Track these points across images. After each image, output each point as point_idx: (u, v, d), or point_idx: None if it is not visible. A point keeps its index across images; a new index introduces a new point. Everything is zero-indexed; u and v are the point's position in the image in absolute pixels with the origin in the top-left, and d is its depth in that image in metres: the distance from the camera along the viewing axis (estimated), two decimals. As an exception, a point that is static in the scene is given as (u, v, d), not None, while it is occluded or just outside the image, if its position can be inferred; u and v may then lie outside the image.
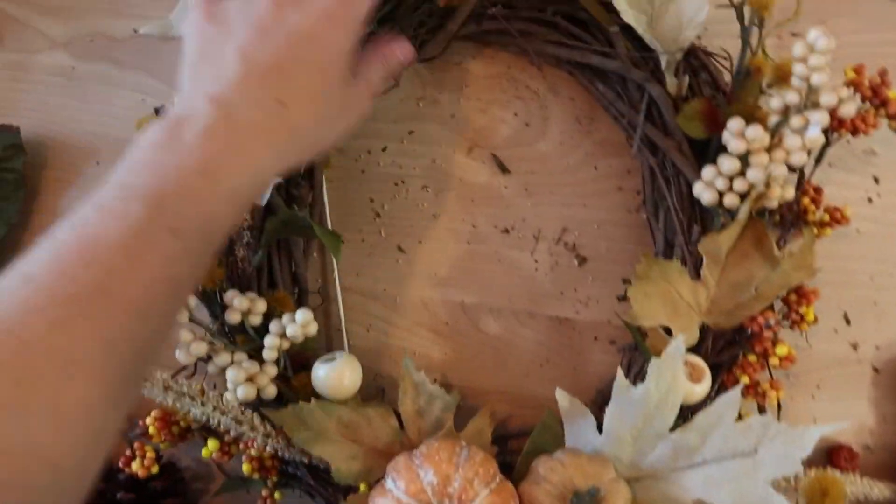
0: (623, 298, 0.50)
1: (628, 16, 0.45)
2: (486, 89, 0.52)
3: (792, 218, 0.47)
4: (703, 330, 0.45)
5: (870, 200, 0.52)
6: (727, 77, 0.47)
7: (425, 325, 0.51)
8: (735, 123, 0.42)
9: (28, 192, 0.51)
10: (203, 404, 0.40)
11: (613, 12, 0.46)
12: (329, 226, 0.50)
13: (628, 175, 0.51)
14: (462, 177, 0.52)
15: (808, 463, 0.49)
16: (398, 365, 0.49)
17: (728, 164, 0.42)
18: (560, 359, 0.50)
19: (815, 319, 0.46)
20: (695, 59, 0.47)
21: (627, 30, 0.46)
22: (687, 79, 0.46)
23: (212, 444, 0.43)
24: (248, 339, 0.44)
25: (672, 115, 0.46)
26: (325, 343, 0.50)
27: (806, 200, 0.48)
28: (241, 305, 0.43)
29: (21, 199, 0.51)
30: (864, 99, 0.45)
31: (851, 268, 0.51)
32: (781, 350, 0.43)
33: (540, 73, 0.52)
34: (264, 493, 0.45)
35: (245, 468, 0.43)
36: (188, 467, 0.50)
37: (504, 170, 0.51)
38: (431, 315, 0.51)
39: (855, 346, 0.51)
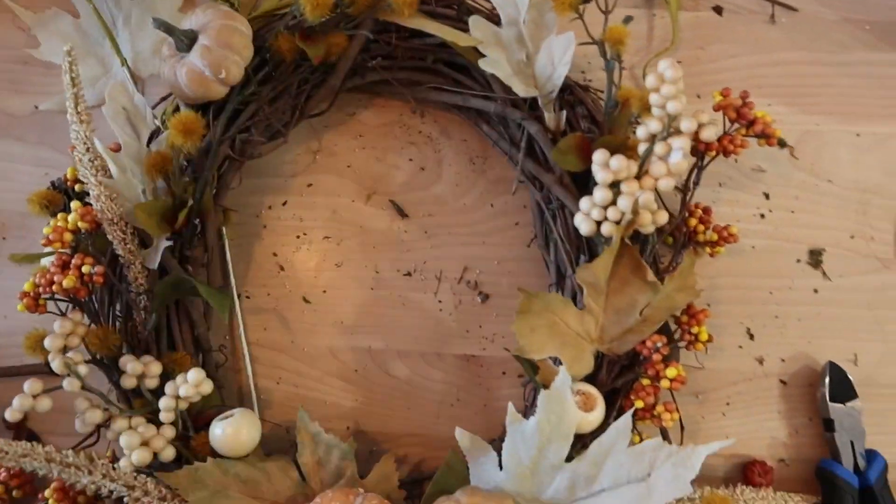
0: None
1: (491, 66, 0.47)
2: (380, 137, 0.53)
3: (683, 240, 0.49)
4: (599, 358, 0.45)
5: (762, 216, 0.53)
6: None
7: (335, 374, 0.51)
8: (599, 155, 0.43)
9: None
10: (90, 472, 0.40)
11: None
12: (233, 283, 0.51)
13: (524, 210, 0.52)
14: (363, 224, 0.53)
15: (725, 481, 0.50)
16: (312, 416, 0.49)
17: (599, 194, 0.43)
18: (470, 397, 0.51)
19: (710, 338, 0.46)
20: (571, 95, 0.49)
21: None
22: (564, 114, 0.47)
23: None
24: (146, 403, 0.44)
25: (551, 150, 0.47)
26: (236, 400, 0.50)
27: (694, 221, 0.49)
28: (136, 370, 0.43)
29: None
30: (731, 121, 0.46)
31: (750, 284, 0.52)
32: (671, 372, 0.43)
33: (430, 119, 0.53)
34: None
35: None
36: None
37: (403, 214, 0.52)
38: (340, 363, 0.51)
39: (761, 361, 0.51)
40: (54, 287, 0.43)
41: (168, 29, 0.45)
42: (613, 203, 0.43)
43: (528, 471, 0.43)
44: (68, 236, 0.44)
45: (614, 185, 0.43)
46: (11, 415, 0.41)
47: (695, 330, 0.46)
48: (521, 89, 0.47)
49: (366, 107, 0.54)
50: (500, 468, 0.43)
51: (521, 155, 0.48)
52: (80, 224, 0.44)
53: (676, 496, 0.40)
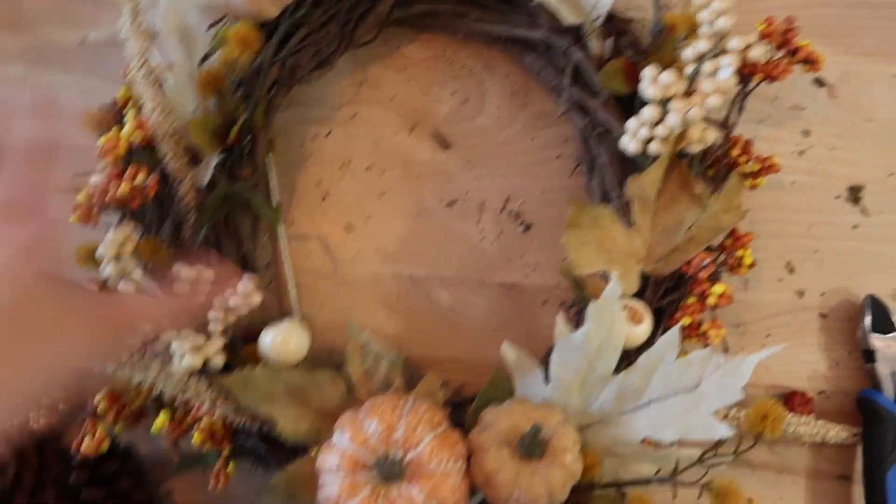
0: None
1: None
2: (425, 70, 0.54)
3: (724, 170, 0.49)
4: (645, 278, 0.46)
5: (801, 153, 0.53)
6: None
7: (377, 301, 0.51)
8: (649, 71, 0.43)
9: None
10: (146, 369, 0.41)
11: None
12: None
13: (565, 143, 0.52)
14: (406, 155, 0.53)
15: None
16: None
17: (648, 111, 0.44)
18: (512, 324, 0.51)
19: (753, 264, 0.47)
20: (615, 25, 0.49)
21: (552, 3, 0.49)
22: (610, 41, 0.48)
23: (161, 417, 0.43)
24: (195, 314, 0.45)
25: (596, 76, 0.47)
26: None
27: (736, 152, 0.49)
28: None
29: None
30: (777, 48, 0.47)
31: (789, 219, 0.52)
32: (718, 289, 0.44)
33: (473, 53, 0.54)
34: (217, 465, 0.44)
35: (195, 439, 0.43)
36: (147, 455, 0.49)
37: (446, 145, 0.53)
38: (383, 290, 0.52)
39: (801, 294, 0.52)
40: (108, 197, 0.43)
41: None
42: (661, 122, 0.44)
43: (576, 383, 0.43)
44: (123, 146, 0.44)
45: (662, 105, 0.44)
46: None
47: (739, 254, 0.46)
48: (567, 15, 0.48)
49: (410, 41, 0.54)
50: (546, 383, 0.44)
51: (567, 80, 0.48)
52: (134, 136, 0.45)
53: (727, 403, 0.40)
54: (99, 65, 0.55)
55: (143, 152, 0.45)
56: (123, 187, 0.43)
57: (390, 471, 0.38)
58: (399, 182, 0.53)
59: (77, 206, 0.44)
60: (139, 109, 0.46)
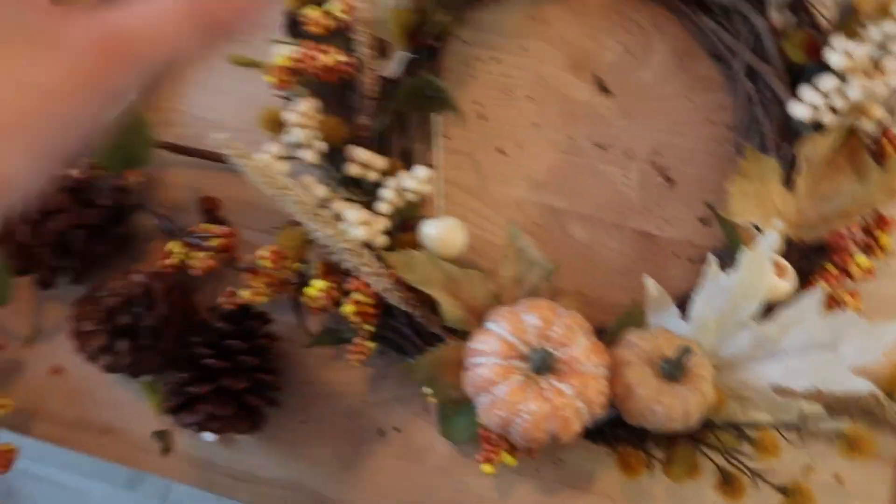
0: (705, 222, 0.53)
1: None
2: (595, 17, 0.56)
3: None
4: (788, 241, 0.47)
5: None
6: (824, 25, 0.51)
7: (517, 224, 0.53)
8: (838, 42, 0.45)
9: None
10: (331, 227, 0.43)
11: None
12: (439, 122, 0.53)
13: (721, 110, 0.54)
14: (565, 93, 0.55)
15: None
16: (488, 259, 0.52)
17: (828, 81, 0.46)
18: (640, 270, 0.53)
19: (891, 251, 0.48)
20: (798, 2, 0.51)
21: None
22: (789, 14, 0.50)
23: (318, 284, 0.46)
24: (367, 192, 0.47)
25: (774, 45, 0.49)
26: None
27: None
28: (362, 157, 0.46)
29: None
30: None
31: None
32: (863, 261, 0.46)
33: (646, 8, 0.56)
34: (360, 340, 0.47)
35: (348, 309, 0.46)
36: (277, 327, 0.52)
37: (605, 90, 0.55)
38: (524, 215, 0.54)
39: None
40: (308, 66, 0.46)
41: None
42: (839, 94, 0.46)
43: (715, 325, 0.45)
44: (329, 22, 0.47)
45: (842, 77, 0.46)
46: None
47: (877, 234, 0.48)
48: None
49: (586, -13, 0.56)
50: (684, 320, 0.46)
51: (745, 45, 0.50)
52: (340, 15, 0.47)
53: (864, 362, 0.42)
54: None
55: (341, 35, 0.48)
56: (325, 59, 0.45)
57: (544, 363, 0.40)
58: (555, 117, 0.55)
59: (277, 69, 0.47)
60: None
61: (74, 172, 0.48)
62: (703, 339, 0.45)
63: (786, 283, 0.45)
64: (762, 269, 0.44)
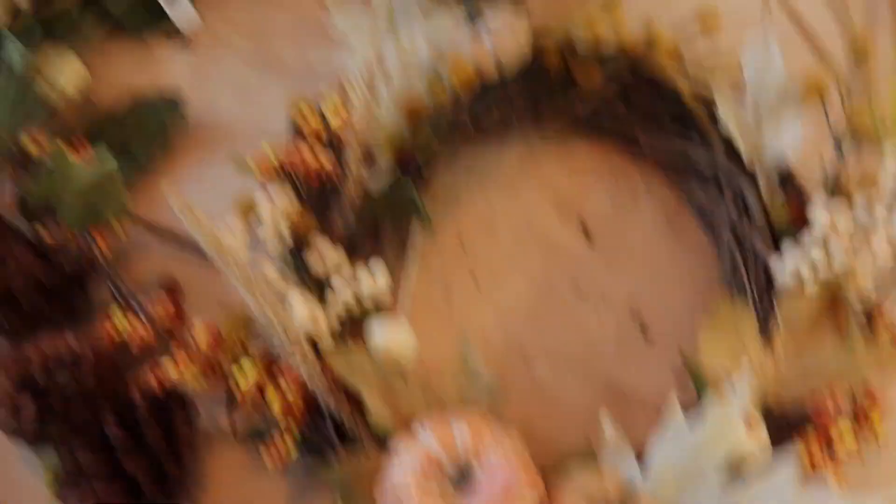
0: (679, 376, 0.49)
1: (731, 126, 0.51)
2: (587, 168, 0.57)
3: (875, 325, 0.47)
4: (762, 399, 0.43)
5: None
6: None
7: (478, 350, 0.50)
8: (821, 206, 0.45)
9: (168, 146, 0.57)
10: (275, 310, 0.41)
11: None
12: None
13: (704, 266, 0.53)
14: (548, 233, 0.55)
15: None
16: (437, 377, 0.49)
17: (812, 248, 0.44)
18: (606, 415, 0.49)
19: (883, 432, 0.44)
20: (786, 167, 0.51)
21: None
22: (776, 179, 0.50)
23: (248, 369, 0.43)
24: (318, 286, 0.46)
25: (759, 207, 0.49)
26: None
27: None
28: (322, 248, 0.45)
29: (157, 150, 0.57)
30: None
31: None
32: (847, 432, 0.41)
33: (637, 167, 0.57)
34: (278, 442, 0.43)
35: (275, 406, 0.42)
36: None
37: (587, 235, 0.55)
38: (487, 343, 0.51)
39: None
40: (292, 163, 0.47)
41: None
42: (823, 259, 0.44)
43: (673, 477, 0.40)
44: (321, 128, 0.49)
45: (826, 244, 0.45)
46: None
47: (870, 409, 0.44)
48: (745, 150, 0.50)
49: (579, 135, 0.57)
50: (639, 468, 0.41)
51: (729, 206, 0.50)
52: (334, 123, 0.49)
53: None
54: (306, 83, 0.61)
55: (332, 140, 0.49)
56: (310, 160, 0.46)
57: (466, 481, 0.36)
58: (535, 255, 0.54)
59: (262, 163, 0.48)
60: (345, 104, 0.50)
61: (43, 232, 0.48)
62: (660, 490, 0.40)
63: (756, 438, 0.41)
64: (729, 420, 0.40)
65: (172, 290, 0.50)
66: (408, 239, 0.52)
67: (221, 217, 0.50)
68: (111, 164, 0.48)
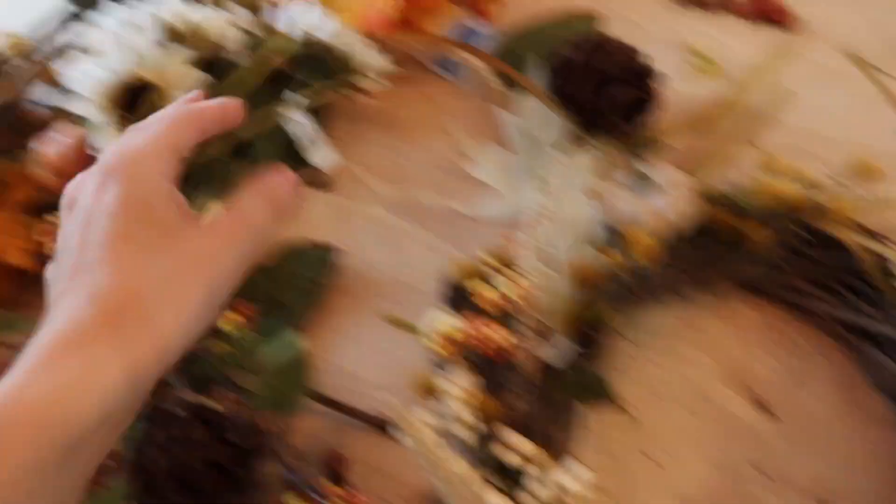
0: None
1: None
2: (753, 332, 0.55)
3: None
4: None
5: None
6: None
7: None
8: None
9: (320, 304, 0.56)
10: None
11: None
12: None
13: (888, 443, 0.50)
14: (722, 406, 0.53)
15: None
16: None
17: None
18: None
19: None
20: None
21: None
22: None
23: None
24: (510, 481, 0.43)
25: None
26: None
27: None
28: (511, 441, 0.43)
29: (310, 307, 0.55)
30: None
31: None
32: None
33: (807, 332, 0.55)
34: None
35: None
36: None
37: (762, 409, 0.52)
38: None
39: None
40: (475, 340, 0.45)
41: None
42: None
43: None
44: (499, 302, 0.47)
45: None
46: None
47: None
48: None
49: (743, 298, 0.56)
50: None
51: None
52: (511, 295, 0.47)
53: None
54: (449, 230, 0.61)
55: (506, 314, 0.48)
56: (497, 338, 0.45)
57: None
58: (710, 431, 0.52)
59: (441, 338, 0.46)
60: (516, 271, 0.49)
61: (217, 405, 0.47)
62: None
63: None
64: None
65: (338, 467, 0.49)
66: (576, 416, 0.50)
67: (389, 390, 0.48)
68: (299, 345, 0.47)
